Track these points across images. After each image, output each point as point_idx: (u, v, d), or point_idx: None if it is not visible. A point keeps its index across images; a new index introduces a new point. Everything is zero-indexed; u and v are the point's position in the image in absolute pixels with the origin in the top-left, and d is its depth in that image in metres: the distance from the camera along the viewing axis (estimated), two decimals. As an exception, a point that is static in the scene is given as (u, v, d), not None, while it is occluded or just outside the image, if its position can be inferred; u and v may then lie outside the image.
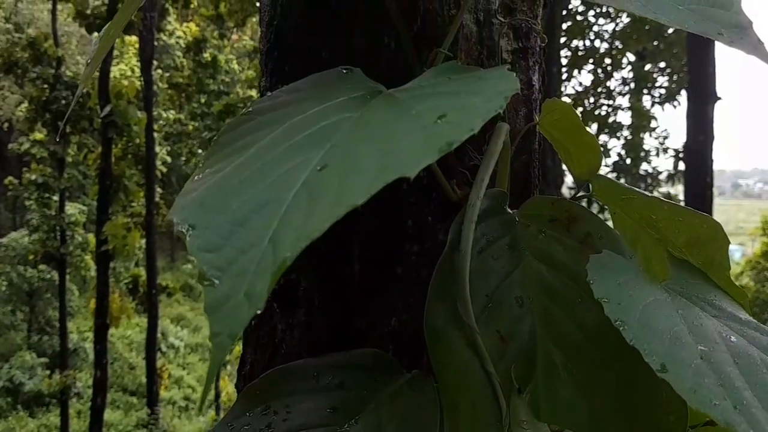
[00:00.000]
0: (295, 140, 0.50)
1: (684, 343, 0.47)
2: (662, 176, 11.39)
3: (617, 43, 11.31)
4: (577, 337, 0.55)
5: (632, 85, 12.07)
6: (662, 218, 0.61)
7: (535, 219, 0.62)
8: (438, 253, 0.67)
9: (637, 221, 0.64)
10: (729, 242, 0.59)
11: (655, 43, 11.57)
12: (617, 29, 11.00)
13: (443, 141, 0.41)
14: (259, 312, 0.37)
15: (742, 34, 0.48)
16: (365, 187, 0.40)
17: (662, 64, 12.07)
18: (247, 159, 0.50)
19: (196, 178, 0.52)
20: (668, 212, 0.60)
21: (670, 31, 10.66)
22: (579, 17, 11.29)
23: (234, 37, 16.53)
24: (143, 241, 11.95)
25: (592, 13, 10.83)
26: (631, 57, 12.09)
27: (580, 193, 0.68)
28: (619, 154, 11.62)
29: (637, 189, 0.60)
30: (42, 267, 15.70)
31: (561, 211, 0.60)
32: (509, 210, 0.64)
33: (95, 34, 11.01)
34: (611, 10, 10.65)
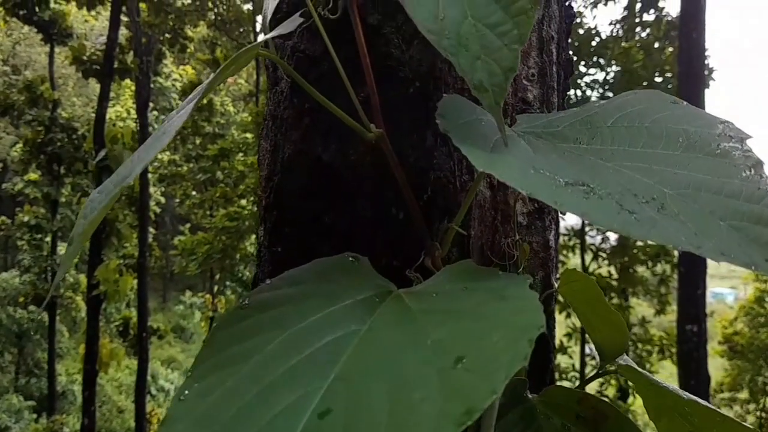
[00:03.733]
0: (297, 360, 0.45)
1: None
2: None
3: (608, 93, 11.38)
4: None
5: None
6: (697, 414, 0.55)
7: (558, 411, 0.56)
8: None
9: (668, 408, 0.58)
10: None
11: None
12: (608, 78, 11.09)
13: (462, 408, 0.36)
14: None
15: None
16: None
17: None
18: (240, 380, 0.45)
19: (184, 394, 0.46)
20: (705, 410, 0.54)
21: (658, 79, 10.76)
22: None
23: (229, 80, 16.61)
24: (135, 282, 11.82)
25: (582, 63, 10.93)
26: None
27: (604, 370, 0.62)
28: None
29: (671, 387, 0.55)
30: (32, 308, 15.52)
31: (587, 408, 0.55)
32: (529, 395, 0.59)
33: (92, 79, 11.07)
34: (601, 60, 10.76)
